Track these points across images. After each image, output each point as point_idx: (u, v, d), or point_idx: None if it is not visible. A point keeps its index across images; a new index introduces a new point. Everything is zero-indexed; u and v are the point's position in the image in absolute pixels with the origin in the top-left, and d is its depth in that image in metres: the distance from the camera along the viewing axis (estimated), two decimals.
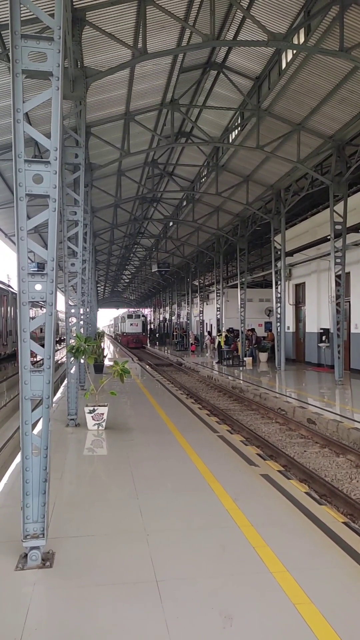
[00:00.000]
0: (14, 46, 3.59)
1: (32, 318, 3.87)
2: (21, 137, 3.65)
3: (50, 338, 3.77)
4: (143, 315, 51.71)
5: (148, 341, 51.87)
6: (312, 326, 21.33)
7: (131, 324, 48.10)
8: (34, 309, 25.13)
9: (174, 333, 46.91)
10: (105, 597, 3.27)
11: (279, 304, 20.13)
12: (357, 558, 3.78)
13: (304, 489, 5.42)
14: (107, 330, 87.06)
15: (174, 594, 3.29)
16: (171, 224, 29.88)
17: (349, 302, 17.81)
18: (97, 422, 8.35)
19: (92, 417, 8.34)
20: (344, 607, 3.20)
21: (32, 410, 3.78)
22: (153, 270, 37.41)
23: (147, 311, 70.80)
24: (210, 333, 35.75)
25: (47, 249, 3.77)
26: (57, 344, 40.50)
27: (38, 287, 3.76)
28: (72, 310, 9.59)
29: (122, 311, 62.06)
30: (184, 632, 2.91)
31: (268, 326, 28.94)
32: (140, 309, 62.15)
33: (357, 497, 6.35)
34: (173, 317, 53.08)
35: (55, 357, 25.61)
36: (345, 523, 4.48)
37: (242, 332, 24.42)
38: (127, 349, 43.24)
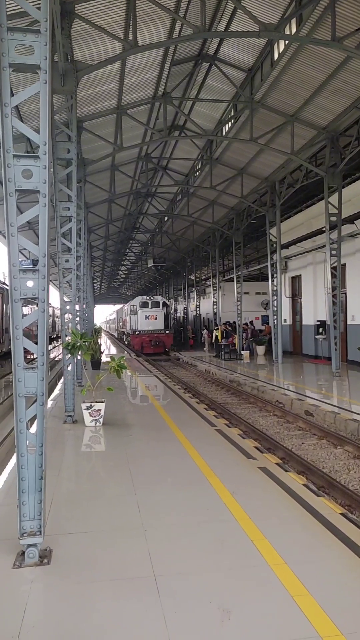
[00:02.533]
0: (0, 39, 3.54)
1: (25, 315, 3.84)
2: (9, 131, 3.60)
3: (43, 335, 3.74)
4: (165, 303, 31.03)
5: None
6: (308, 318, 21.34)
7: (147, 317, 29.20)
8: (29, 305, 25.05)
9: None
10: (104, 593, 3.27)
11: (275, 297, 20.13)
12: (355, 549, 3.79)
13: (302, 481, 5.43)
14: (105, 327, 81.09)
15: (172, 589, 3.29)
16: (166, 218, 29.78)
17: (345, 293, 17.82)
18: (95, 418, 8.34)
19: (89, 413, 8.33)
20: (342, 598, 3.20)
21: (27, 408, 3.76)
22: (149, 266, 37.32)
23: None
24: (207, 327, 35.72)
25: (39, 245, 3.74)
26: (54, 341, 40.32)
27: (30, 283, 3.73)
28: (68, 307, 9.56)
29: (132, 301, 35.30)
30: (182, 626, 2.91)
31: (265, 319, 28.93)
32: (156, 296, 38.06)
33: (354, 488, 6.37)
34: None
35: (52, 354, 25.51)
36: (343, 514, 4.49)
37: (238, 326, 24.42)
38: (140, 355, 27.36)
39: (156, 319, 29.21)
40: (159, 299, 31.22)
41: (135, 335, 28.99)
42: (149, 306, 29.74)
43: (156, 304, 30.00)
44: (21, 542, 3.68)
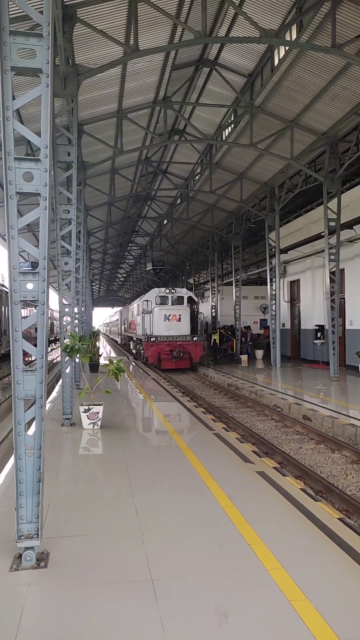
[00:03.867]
0: (3, 43, 3.55)
1: (25, 317, 3.84)
2: (11, 134, 3.62)
3: (43, 337, 3.75)
4: (191, 298, 22.09)
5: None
6: (307, 323, 21.36)
7: (167, 317, 20.88)
8: (27, 308, 25.05)
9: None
10: (101, 596, 3.26)
11: (274, 301, 20.15)
12: (353, 554, 3.79)
13: (300, 486, 5.43)
14: (104, 330, 76.08)
15: (170, 593, 3.28)
16: (165, 222, 29.83)
17: (344, 298, 17.85)
18: (93, 421, 8.33)
19: (87, 416, 8.32)
20: (339, 603, 3.20)
21: (25, 410, 3.76)
22: (148, 269, 37.36)
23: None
24: (206, 331, 35.66)
25: (39, 247, 3.75)
26: (52, 343, 40.23)
27: (30, 286, 3.73)
28: (67, 309, 9.56)
29: (146, 295, 23.21)
30: (179, 630, 2.90)
31: (263, 323, 28.95)
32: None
33: (352, 493, 6.37)
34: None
35: (50, 357, 25.61)
36: (340, 519, 4.48)
37: (237, 330, 24.42)
38: (157, 371, 19.22)
39: (179, 320, 20.31)
40: (184, 292, 21.57)
41: (150, 344, 19.70)
42: (169, 302, 20.91)
43: (179, 300, 21.10)
44: (18, 544, 3.67)
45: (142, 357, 22.46)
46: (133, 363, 22.53)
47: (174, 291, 21.63)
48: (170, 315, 20.57)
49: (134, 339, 26.62)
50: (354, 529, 4.27)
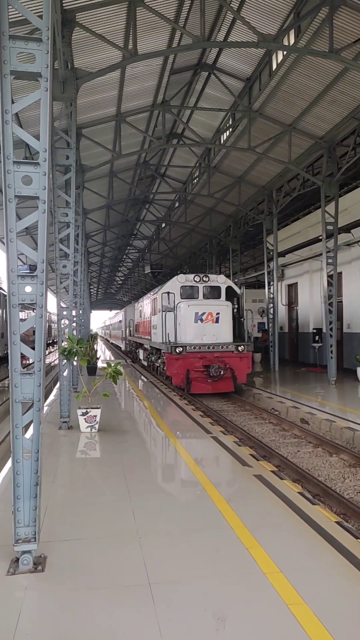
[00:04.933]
0: (2, 47, 3.57)
1: (23, 320, 3.84)
2: (10, 138, 3.63)
3: (41, 340, 3.75)
4: (231, 289, 15.47)
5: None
6: (305, 326, 21.39)
7: (198, 316, 14.21)
8: (26, 311, 25.01)
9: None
10: (98, 600, 3.25)
11: (272, 305, 20.19)
12: (350, 557, 3.79)
13: (297, 489, 5.43)
14: (102, 333, 73.39)
15: (167, 597, 3.27)
16: (164, 225, 29.86)
17: (341, 302, 17.89)
18: (90, 424, 8.32)
19: (84, 419, 8.31)
20: (337, 606, 3.20)
21: (23, 414, 3.75)
22: (146, 272, 37.34)
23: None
24: None
25: (37, 250, 3.75)
26: (50, 346, 40.12)
27: (28, 289, 3.74)
28: (65, 312, 9.55)
29: (166, 286, 15.83)
30: (176, 635, 2.89)
31: (261, 327, 28.98)
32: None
33: (350, 496, 6.37)
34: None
35: (48, 360, 24.99)
36: (338, 522, 4.48)
37: None
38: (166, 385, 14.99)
39: (217, 321, 14.30)
40: (221, 280, 15.38)
41: (174, 356, 13.54)
42: (200, 294, 14.95)
43: (214, 292, 15.13)
44: (15, 548, 3.66)
45: (158, 372, 16.91)
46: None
47: (206, 279, 14.93)
48: (203, 314, 14.09)
49: (146, 347, 19.63)
50: (352, 532, 4.27)
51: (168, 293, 14.86)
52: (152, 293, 18.73)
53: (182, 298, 14.72)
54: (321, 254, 15.43)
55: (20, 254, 3.80)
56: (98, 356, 19.10)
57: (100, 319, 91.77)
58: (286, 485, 5.51)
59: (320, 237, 15.49)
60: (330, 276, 14.91)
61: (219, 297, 15.06)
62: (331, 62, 11.06)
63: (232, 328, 14.63)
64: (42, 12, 3.66)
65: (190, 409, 10.65)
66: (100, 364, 17.75)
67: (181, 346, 13.60)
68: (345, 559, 3.77)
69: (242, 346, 14.05)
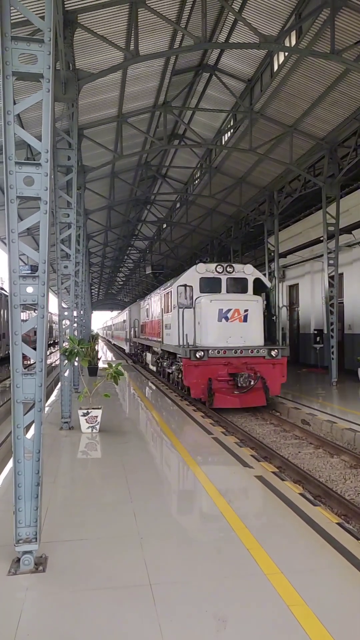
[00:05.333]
0: (4, 48, 3.57)
1: (25, 320, 3.85)
2: (12, 139, 3.64)
3: (42, 341, 3.75)
4: (259, 282, 13.34)
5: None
6: (306, 327, 21.38)
7: (223, 314, 11.86)
8: (27, 311, 25.01)
9: None
10: (99, 601, 3.25)
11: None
12: (351, 559, 3.78)
13: (298, 490, 5.42)
14: (104, 333, 72.43)
15: (168, 598, 3.27)
16: (165, 226, 29.87)
17: (342, 303, 17.88)
18: (91, 424, 8.32)
19: (85, 419, 8.31)
20: (338, 608, 3.20)
21: (25, 414, 3.76)
22: (147, 272, 37.34)
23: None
24: None
25: (39, 251, 3.76)
26: (51, 347, 40.11)
27: (29, 289, 3.74)
28: (66, 313, 9.56)
29: (182, 277, 13.40)
30: (178, 635, 2.89)
31: None
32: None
33: (351, 497, 6.36)
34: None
35: (49, 360, 24.74)
36: (339, 524, 4.48)
37: None
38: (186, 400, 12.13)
39: (245, 320, 12.12)
40: (248, 270, 13.26)
41: (193, 362, 11.40)
42: (224, 287, 12.93)
43: (240, 284, 13.08)
44: (17, 549, 3.66)
45: (171, 379, 14.66)
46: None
47: (230, 269, 12.83)
48: (229, 311, 11.83)
49: (156, 350, 17.37)
50: (353, 533, 4.27)
51: (185, 286, 12.68)
52: (162, 288, 16.19)
53: (201, 292, 12.57)
54: (322, 255, 15.43)
55: (22, 255, 3.81)
56: (99, 357, 19.12)
57: (101, 320, 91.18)
58: (287, 486, 5.51)
59: (322, 238, 15.49)
60: (331, 277, 14.91)
61: (245, 290, 12.91)
62: (332, 63, 11.06)
63: (262, 328, 12.34)
64: (44, 13, 3.67)
65: (191, 410, 10.64)
66: (101, 365, 17.77)
67: (202, 350, 11.29)
68: (347, 560, 3.76)
69: (275, 350, 11.76)
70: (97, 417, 8.33)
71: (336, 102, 12.78)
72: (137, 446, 7.63)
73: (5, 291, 25.88)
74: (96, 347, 19.49)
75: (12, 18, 3.62)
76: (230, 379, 11.37)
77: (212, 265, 12.96)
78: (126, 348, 32.62)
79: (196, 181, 21.73)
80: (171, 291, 13.69)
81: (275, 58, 12.39)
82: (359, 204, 16.69)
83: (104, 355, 31.94)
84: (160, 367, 17.13)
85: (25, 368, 3.77)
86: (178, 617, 3.06)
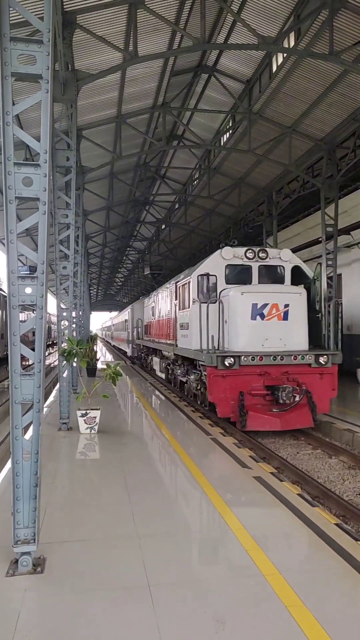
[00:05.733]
0: (3, 49, 3.58)
1: (23, 321, 3.84)
2: (10, 139, 3.64)
3: (41, 341, 3.75)
4: (298, 269, 10.94)
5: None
6: None
7: (261, 313, 9.39)
8: (25, 312, 24.98)
9: None
10: (98, 602, 3.25)
11: None
12: (349, 560, 3.78)
13: (297, 491, 5.42)
14: (103, 333, 71.05)
15: (167, 599, 3.27)
16: (164, 226, 29.88)
17: (341, 304, 17.89)
18: (90, 425, 8.31)
19: (84, 420, 8.31)
20: (336, 609, 3.20)
21: (23, 415, 3.75)
22: (145, 273, 37.33)
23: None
24: None
25: (37, 252, 3.76)
26: (50, 347, 40.07)
27: (28, 290, 3.74)
28: (64, 314, 9.56)
29: (204, 263, 10.81)
30: (176, 636, 2.89)
31: None
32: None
33: (349, 498, 6.36)
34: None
35: (47, 361, 24.17)
36: (337, 525, 4.48)
37: None
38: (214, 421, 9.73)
39: (285, 317, 9.65)
40: (285, 256, 10.83)
41: (220, 372, 9.08)
42: (255, 276, 10.64)
43: (275, 273, 10.84)
44: (15, 549, 3.65)
45: (186, 390, 12.30)
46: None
47: (263, 255, 10.53)
48: (265, 306, 9.50)
49: (166, 354, 14.87)
50: (351, 534, 4.27)
51: (206, 276, 10.38)
52: (173, 281, 13.72)
53: (227, 283, 10.31)
54: (321, 256, 15.45)
55: (21, 255, 3.80)
56: (98, 357, 19.12)
57: (100, 321, 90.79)
58: (285, 486, 5.51)
59: (320, 239, 15.50)
60: (330, 278, 14.92)
61: (281, 281, 10.58)
62: (331, 64, 11.09)
63: (306, 328, 9.88)
64: (42, 14, 3.68)
65: (189, 411, 10.63)
66: (100, 365, 17.77)
67: (232, 356, 9.02)
68: (345, 561, 3.76)
69: (324, 356, 9.55)
70: (95, 417, 8.32)
71: (335, 103, 12.80)
72: (135, 448, 7.62)
73: (4, 292, 25.86)
74: (95, 348, 19.49)
75: (11, 19, 3.62)
76: (267, 392, 9.22)
77: (241, 250, 10.51)
78: (128, 350, 29.38)
79: (195, 182, 21.74)
80: (189, 283, 11.03)
81: (274, 59, 12.42)
82: (357, 205, 16.71)
83: (103, 356, 31.90)
84: (171, 374, 14.59)
85: (23, 369, 3.77)
86: (177, 618, 3.05)
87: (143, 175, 21.41)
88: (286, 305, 9.54)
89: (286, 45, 11.24)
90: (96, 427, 8.33)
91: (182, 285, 11.99)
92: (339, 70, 11.44)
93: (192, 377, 11.28)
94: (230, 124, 16.11)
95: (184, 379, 12.48)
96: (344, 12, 9.85)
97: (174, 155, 20.18)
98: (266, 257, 10.63)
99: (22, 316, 23.12)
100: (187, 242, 30.25)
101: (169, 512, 4.84)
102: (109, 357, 33.23)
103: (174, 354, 13.19)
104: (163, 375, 16.09)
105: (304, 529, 4.36)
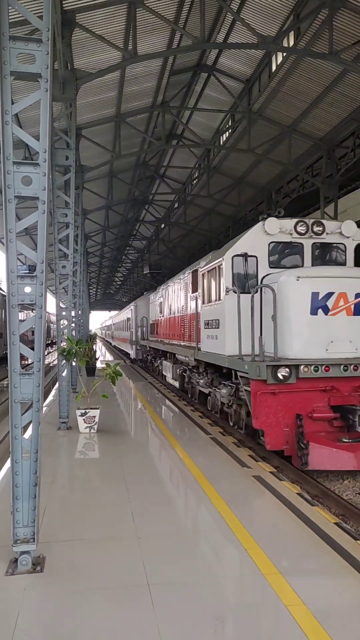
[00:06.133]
0: (2, 48, 3.57)
1: (22, 320, 3.84)
2: (9, 139, 3.63)
3: (40, 341, 3.75)
4: None
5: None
6: None
7: (324, 306, 6.87)
8: (25, 311, 24.96)
9: None
10: (97, 602, 3.25)
11: None
12: (348, 558, 3.79)
13: (296, 490, 5.42)
14: (102, 333, 70.29)
15: (166, 598, 3.27)
16: (163, 226, 29.87)
17: None
18: (89, 425, 8.32)
19: (83, 420, 8.31)
20: (335, 607, 3.20)
21: (22, 414, 3.75)
22: (145, 272, 37.31)
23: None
24: None
25: (37, 251, 3.75)
26: (49, 347, 40.04)
27: (27, 289, 3.74)
28: (64, 313, 9.55)
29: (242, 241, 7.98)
30: (176, 635, 2.89)
31: None
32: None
33: (348, 497, 6.36)
34: None
35: (47, 360, 23.84)
36: (336, 524, 4.48)
37: None
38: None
39: (357, 312, 7.02)
40: (347, 230, 8.19)
41: (269, 387, 6.69)
42: (308, 257, 8.20)
43: (335, 253, 8.33)
44: (14, 549, 3.65)
45: (213, 407, 9.91)
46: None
47: (319, 229, 8.25)
48: (328, 297, 7.07)
49: (183, 358, 12.20)
50: (350, 533, 4.27)
51: (244, 257, 7.85)
52: (188, 270, 11.90)
53: (271, 266, 8.00)
54: None
55: (20, 255, 3.80)
56: (97, 356, 19.10)
57: (99, 320, 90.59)
58: (285, 486, 5.51)
59: None
60: None
61: (343, 264, 8.24)
62: (331, 63, 11.07)
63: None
64: (42, 12, 3.67)
65: (189, 410, 10.63)
66: (99, 365, 17.77)
67: (288, 366, 6.78)
68: (344, 560, 3.76)
69: None
70: (94, 417, 8.33)
71: (334, 103, 12.79)
72: (135, 449, 7.61)
73: (3, 291, 25.85)
74: (94, 347, 19.48)
75: (10, 17, 3.61)
76: (334, 416, 6.87)
77: (289, 223, 8.12)
78: (132, 352, 26.19)
79: (194, 181, 21.73)
80: (219, 267, 8.51)
81: (273, 58, 12.40)
82: (357, 205, 16.69)
83: (103, 356, 31.87)
84: (188, 383, 12.22)
85: (23, 368, 3.77)
86: (176, 617, 3.06)
87: (142, 175, 21.40)
88: (358, 295, 7.02)
89: (286, 45, 11.23)
90: (95, 427, 8.33)
91: (208, 271, 9.32)
92: (338, 69, 11.43)
93: (223, 390, 8.61)
94: (230, 124, 16.10)
95: (207, 390, 10.15)
96: (344, 11, 9.84)
97: (173, 154, 20.16)
98: (322, 232, 8.12)
99: (21, 315, 23.03)
100: (186, 242, 30.23)
101: (169, 512, 4.83)
102: (109, 357, 33.21)
103: (195, 360, 10.44)
104: (176, 384, 13.64)
105: (303, 526, 4.36)
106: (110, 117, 14.09)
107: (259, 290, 7.21)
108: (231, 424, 8.60)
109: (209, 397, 10.19)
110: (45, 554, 3.84)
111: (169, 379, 14.89)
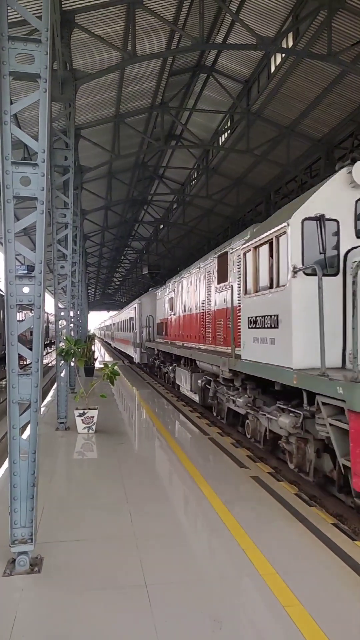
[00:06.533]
0: (1, 48, 3.57)
1: (21, 321, 3.84)
2: (8, 139, 3.63)
3: (38, 341, 3.75)
4: None
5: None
6: None
7: None
8: (23, 312, 24.95)
9: None
10: (95, 602, 3.24)
11: None
12: (346, 559, 3.79)
13: (294, 491, 5.43)
14: (101, 333, 69.91)
15: (164, 599, 3.27)
16: (162, 226, 29.87)
17: None
18: (87, 425, 8.31)
19: (82, 420, 8.30)
20: (332, 608, 3.20)
21: (20, 414, 3.75)
22: (144, 273, 37.29)
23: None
24: None
25: (35, 251, 3.75)
26: (47, 347, 39.99)
27: (26, 289, 3.74)
28: (62, 313, 9.55)
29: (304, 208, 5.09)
30: (173, 636, 2.89)
31: None
32: None
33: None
34: None
35: (45, 360, 23.68)
36: (334, 524, 4.49)
37: None
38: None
39: None
40: None
41: None
42: None
43: None
44: (12, 549, 3.65)
45: (261, 439, 7.31)
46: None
47: None
48: None
49: (205, 367, 10.08)
50: (348, 534, 4.28)
51: (321, 220, 5.60)
52: (216, 252, 10.04)
53: (358, 236, 5.68)
54: None
55: (18, 255, 3.80)
56: (96, 357, 19.09)
57: (98, 320, 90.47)
58: (283, 486, 5.51)
59: None
60: None
61: None
62: (329, 65, 11.10)
63: None
64: (41, 13, 3.67)
65: (187, 410, 10.61)
66: (97, 365, 17.75)
67: None
68: (341, 560, 3.77)
69: None
70: (93, 417, 8.32)
71: (333, 104, 12.82)
72: (133, 447, 7.61)
73: (2, 291, 25.82)
74: (92, 348, 19.47)
75: (9, 18, 3.61)
76: None
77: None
78: (135, 355, 23.24)
79: (193, 182, 21.75)
80: (279, 237, 6.02)
81: (272, 59, 12.43)
82: None
83: (102, 356, 31.85)
84: (213, 397, 9.96)
85: (21, 368, 3.77)
86: (174, 618, 3.05)
87: (141, 175, 21.41)
88: None
89: (285, 46, 11.25)
90: (94, 427, 8.32)
91: (255, 248, 6.87)
92: (337, 70, 11.45)
93: (283, 419, 6.03)
94: (229, 124, 16.12)
95: (244, 412, 7.84)
96: (343, 13, 9.86)
97: (172, 155, 20.17)
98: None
99: (19, 316, 22.92)
100: (185, 242, 30.24)
101: (167, 513, 4.83)
102: (108, 358, 33.19)
103: (229, 370, 7.89)
104: (196, 397, 11.16)
105: (304, 528, 4.36)
106: (109, 117, 14.10)
107: (338, 272, 5.31)
108: (291, 466, 6.06)
109: (247, 421, 7.81)
110: (43, 555, 3.84)
111: (185, 390, 12.12)
